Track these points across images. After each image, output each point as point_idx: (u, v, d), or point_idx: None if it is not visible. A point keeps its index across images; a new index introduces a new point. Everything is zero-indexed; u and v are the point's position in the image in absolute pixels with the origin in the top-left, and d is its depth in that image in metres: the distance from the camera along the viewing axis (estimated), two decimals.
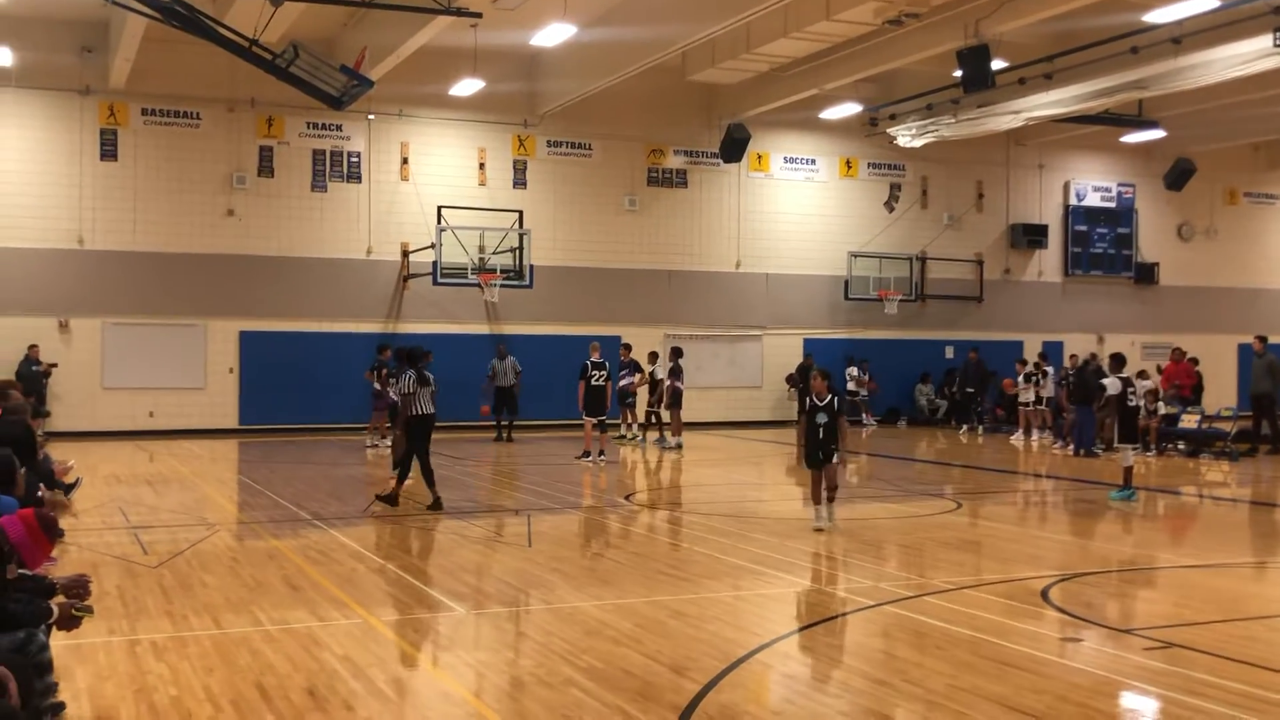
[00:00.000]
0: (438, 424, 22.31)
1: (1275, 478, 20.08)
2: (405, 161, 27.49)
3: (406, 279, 27.27)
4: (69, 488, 14.93)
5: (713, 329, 29.95)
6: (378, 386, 20.20)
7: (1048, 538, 13.37)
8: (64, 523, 10.13)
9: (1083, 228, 34.20)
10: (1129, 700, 6.96)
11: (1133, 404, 16.43)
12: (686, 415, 24.45)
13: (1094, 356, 28.59)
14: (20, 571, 5.77)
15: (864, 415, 29.83)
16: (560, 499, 16.38)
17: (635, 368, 24.12)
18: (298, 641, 8.02)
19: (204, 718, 6.38)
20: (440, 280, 26.44)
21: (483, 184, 28.10)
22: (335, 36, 24.78)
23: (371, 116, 26.80)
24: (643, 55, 23.33)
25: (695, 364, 27.03)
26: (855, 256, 31.26)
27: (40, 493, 11.05)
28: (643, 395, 24.80)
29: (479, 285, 25.94)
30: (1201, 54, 21.82)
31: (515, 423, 25.35)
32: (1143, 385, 20.93)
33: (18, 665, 4.93)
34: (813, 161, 31.24)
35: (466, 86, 25.77)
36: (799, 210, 31.05)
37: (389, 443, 20.45)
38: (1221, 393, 29.75)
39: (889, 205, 32.09)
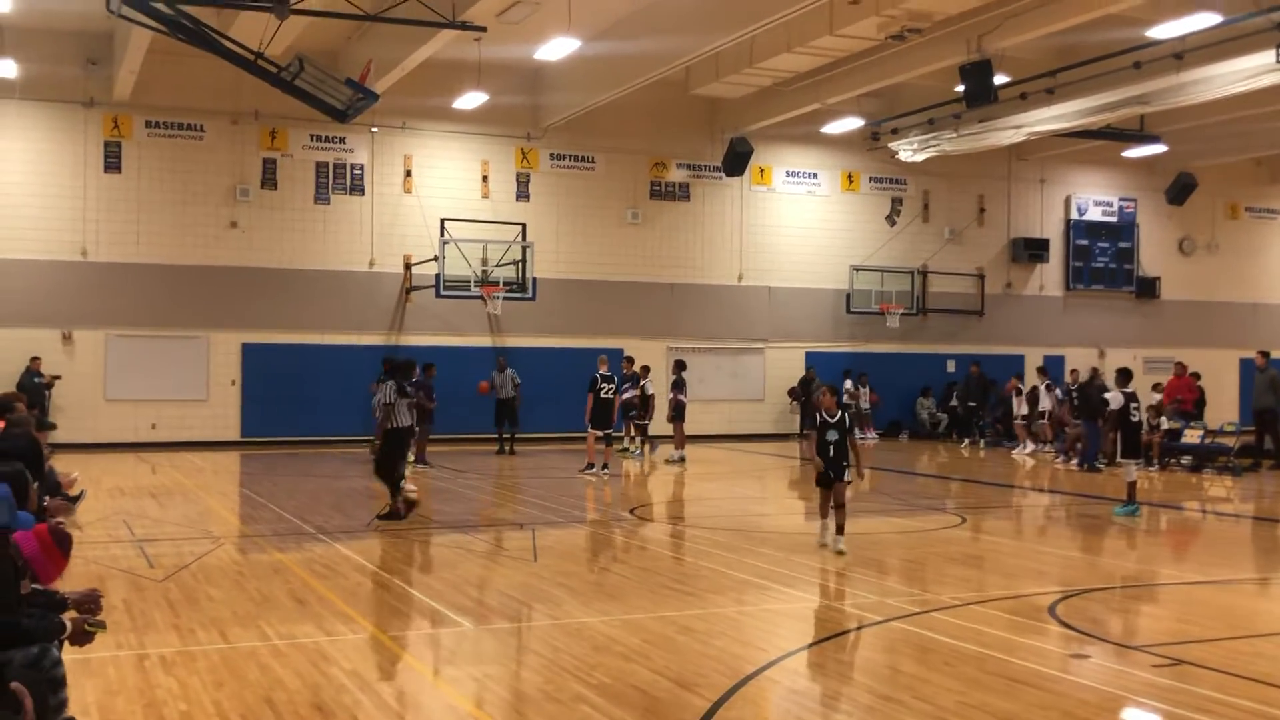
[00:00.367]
0: (436, 435, 22.68)
1: (1278, 493, 20.07)
2: (408, 174, 27.54)
3: (409, 291, 27.29)
4: (73, 500, 14.90)
5: (715, 342, 29.97)
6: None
7: (1052, 553, 13.36)
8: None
9: (1084, 242, 34.24)
10: (1139, 718, 6.95)
11: (1135, 419, 16.42)
12: (689, 428, 24.45)
13: (1096, 371, 28.63)
14: (33, 586, 5.77)
15: (860, 429, 29.85)
16: (564, 512, 16.37)
17: (636, 381, 24.09)
18: (305, 656, 8.01)
19: None
20: (443, 293, 26.46)
21: (486, 196, 28.15)
22: (339, 50, 24.85)
23: (375, 129, 26.86)
24: (646, 69, 23.40)
25: (697, 377, 27.03)
26: (857, 270, 31.30)
27: (45, 501, 11.05)
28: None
29: (482, 298, 25.95)
30: (1203, 69, 21.87)
31: (516, 435, 25.33)
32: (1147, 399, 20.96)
33: (33, 680, 4.93)
34: (815, 175, 31.29)
35: (470, 99, 25.83)
36: (801, 224, 31.10)
37: None
38: (1223, 407, 29.75)
39: (890, 219, 32.14)
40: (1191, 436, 23.04)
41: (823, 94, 26.21)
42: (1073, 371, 26.51)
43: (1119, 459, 16.67)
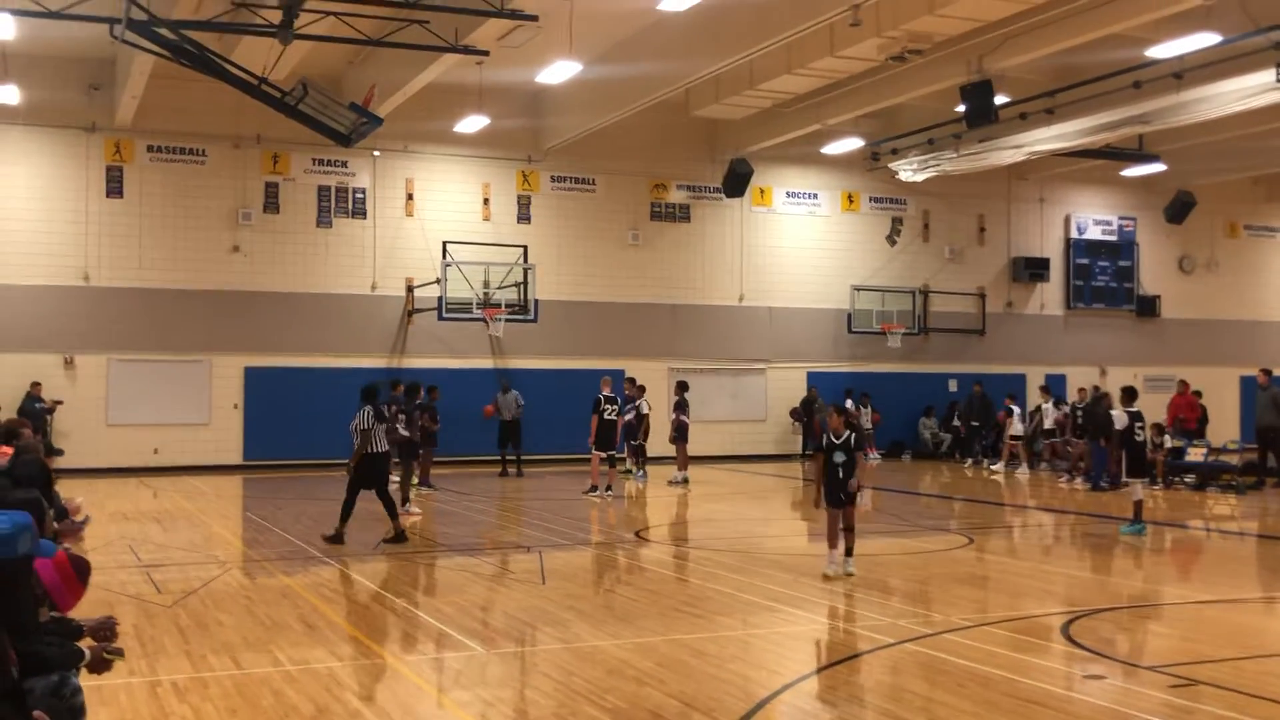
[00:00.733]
0: (439, 458, 22.63)
1: None
2: (410, 197, 27.59)
3: (411, 314, 27.31)
4: (79, 526, 14.86)
5: (716, 362, 29.98)
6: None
7: (1061, 573, 13.34)
8: None
9: (1084, 261, 34.31)
10: None
11: (1140, 438, 16.41)
12: (691, 449, 24.42)
13: (1098, 389, 28.63)
14: (51, 614, 5.75)
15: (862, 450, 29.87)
16: (570, 535, 16.34)
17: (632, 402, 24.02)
18: (319, 682, 7.98)
19: None
20: (445, 315, 26.47)
21: (487, 219, 28.19)
22: (342, 74, 24.92)
23: (377, 153, 26.92)
24: (647, 91, 23.47)
25: (699, 398, 26.98)
26: (858, 290, 31.34)
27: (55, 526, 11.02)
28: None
29: (484, 320, 25.96)
30: (1203, 89, 21.94)
31: (521, 457, 25.26)
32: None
33: (53, 709, 4.91)
34: (815, 196, 31.36)
35: (471, 123, 25.90)
36: (802, 244, 31.15)
37: (395, 478, 20.39)
38: (1224, 425, 29.77)
39: (891, 239, 32.20)
40: (1195, 455, 23.03)
41: (823, 115, 26.28)
42: (1080, 390, 26.48)
43: (1124, 478, 16.67)
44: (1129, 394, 16.58)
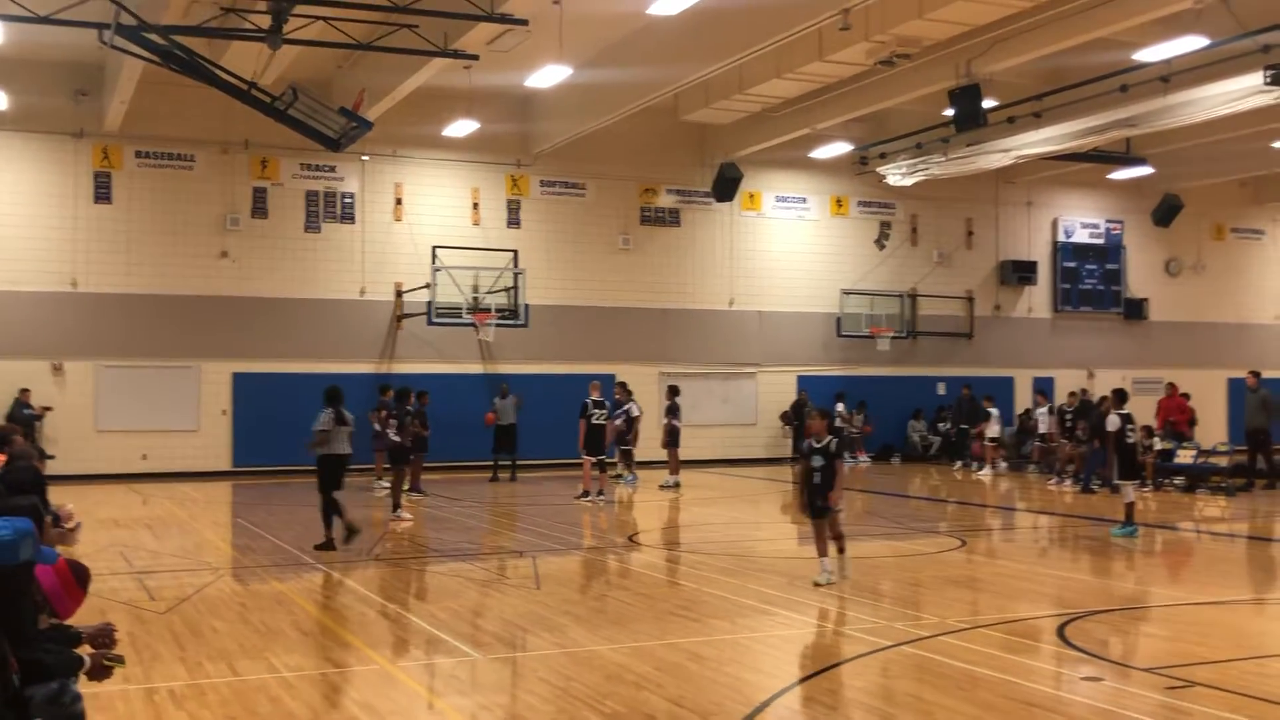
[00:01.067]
0: (430, 463, 22.57)
1: (1272, 512, 20.14)
2: (399, 202, 27.54)
3: (400, 319, 27.26)
4: (70, 533, 14.78)
5: (707, 367, 29.98)
6: (377, 428, 20.15)
7: (1055, 575, 13.36)
8: None
9: (1072, 264, 34.41)
10: None
11: (1131, 440, 16.46)
12: (682, 453, 24.42)
13: (1085, 391, 28.73)
14: (50, 621, 5.72)
15: (850, 453, 30.02)
16: (563, 540, 16.32)
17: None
18: (316, 689, 7.96)
19: None
20: (435, 320, 26.40)
21: (477, 224, 28.15)
22: (331, 78, 24.86)
23: (365, 157, 26.87)
24: (636, 96, 23.47)
25: (690, 402, 26.98)
26: (847, 294, 31.37)
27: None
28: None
29: (474, 325, 25.90)
30: (1190, 92, 22.04)
31: (516, 462, 25.20)
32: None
33: (54, 716, 4.88)
34: (804, 200, 31.40)
35: (461, 127, 25.87)
36: (791, 248, 31.19)
37: (386, 484, 20.37)
38: (1211, 427, 29.88)
39: (880, 243, 32.25)
40: (1184, 457, 23.10)
41: (812, 119, 26.32)
42: (1071, 394, 26.55)
43: (1116, 480, 16.72)
44: (1120, 396, 16.64)
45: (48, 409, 24.25)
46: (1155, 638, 10.26)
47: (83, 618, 7.14)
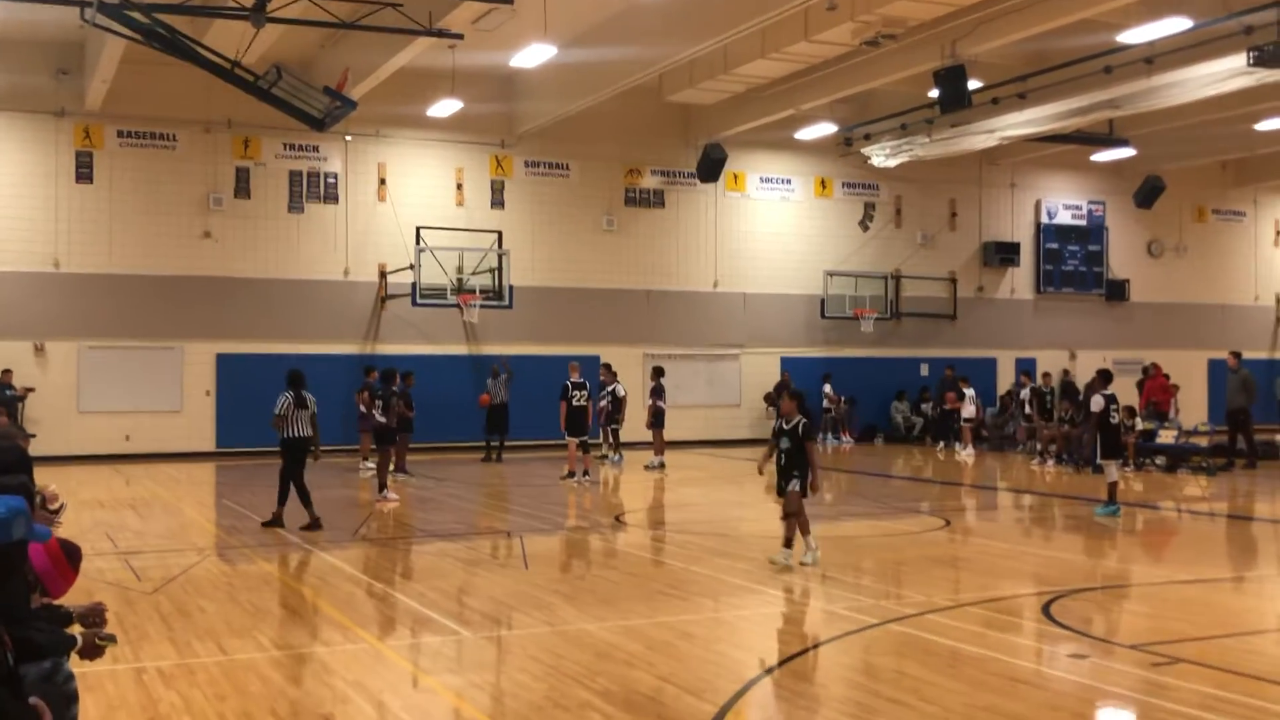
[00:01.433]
0: (415, 445, 22.57)
1: (1252, 492, 20.30)
2: (383, 182, 27.43)
3: (385, 300, 27.18)
4: (54, 513, 14.73)
5: (691, 348, 30.00)
6: (362, 409, 20.11)
7: (1039, 554, 13.45)
8: None
9: (1054, 245, 34.52)
10: (1144, 716, 7.01)
11: (1114, 420, 16.55)
12: (667, 434, 24.45)
13: (1066, 373, 28.93)
14: (42, 601, 5.71)
15: (835, 435, 30.21)
16: (550, 520, 16.35)
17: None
18: (306, 667, 7.97)
19: None
20: (419, 301, 26.31)
21: (461, 204, 28.07)
22: (314, 58, 24.69)
23: (349, 137, 26.74)
24: (621, 76, 23.41)
25: (674, 383, 27.01)
26: (831, 275, 31.40)
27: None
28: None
29: (458, 306, 25.84)
30: (1174, 74, 22.09)
31: (490, 442, 25.20)
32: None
33: (47, 695, 4.86)
34: (788, 181, 31.40)
35: (444, 107, 25.76)
36: (775, 230, 31.19)
37: (372, 465, 20.36)
38: (1192, 408, 30.05)
39: (864, 224, 32.28)
40: (1166, 437, 23.25)
41: (796, 100, 26.30)
42: (1045, 374, 26.66)
43: (1099, 460, 16.83)
44: (1104, 377, 16.71)
45: (30, 390, 24.12)
46: (1139, 615, 10.34)
47: (70, 598, 7.13)
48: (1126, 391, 25.50)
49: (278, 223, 26.61)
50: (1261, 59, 19.59)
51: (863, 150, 29.09)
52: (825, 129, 29.04)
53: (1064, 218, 34.70)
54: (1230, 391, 23.90)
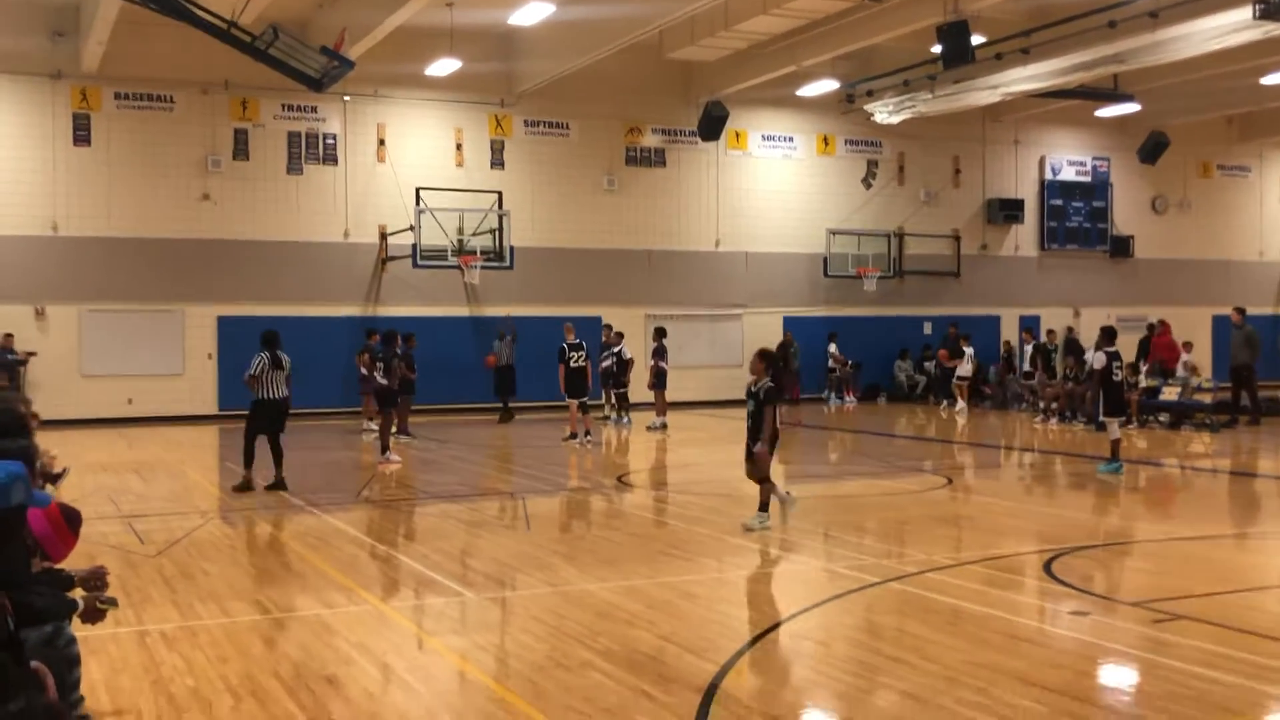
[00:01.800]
0: (417, 406, 22.58)
1: (1256, 448, 20.29)
2: (382, 143, 27.30)
3: (385, 262, 27.12)
4: (56, 478, 14.73)
5: (693, 308, 29.95)
6: (364, 371, 20.10)
7: (1041, 512, 13.47)
8: None
9: (1058, 202, 34.38)
10: (1146, 673, 7.01)
11: (1117, 378, 16.52)
12: (669, 394, 24.45)
13: (1070, 330, 28.85)
14: (43, 565, 5.71)
15: (835, 392, 30.24)
16: (552, 481, 16.37)
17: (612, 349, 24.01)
18: (309, 629, 7.98)
19: (226, 708, 6.34)
20: (420, 263, 26.27)
21: (460, 165, 27.94)
22: (310, 18, 24.51)
23: (347, 98, 26.59)
24: (621, 33, 23.24)
25: (676, 343, 26.99)
26: (834, 234, 31.30)
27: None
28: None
29: (459, 268, 25.79)
30: (1179, 27, 21.90)
31: (510, 403, 25.29)
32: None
33: (49, 659, 4.87)
34: (790, 139, 31.23)
35: (443, 66, 25.60)
36: (777, 188, 31.05)
37: (374, 427, 20.38)
38: (1197, 365, 29.94)
39: (866, 182, 32.14)
40: (1169, 394, 23.21)
41: (798, 56, 26.11)
42: (1049, 331, 26.62)
43: (1101, 417, 16.81)
44: (1108, 334, 16.64)
45: (31, 354, 24.14)
46: (1140, 572, 10.34)
47: (72, 562, 7.14)
48: (1127, 348, 25.45)
49: (277, 184, 26.53)
50: (1268, 12, 19.42)
51: (865, 107, 28.91)
52: (827, 86, 28.85)
53: (1068, 174, 34.54)
54: (1234, 348, 23.83)
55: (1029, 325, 29.17)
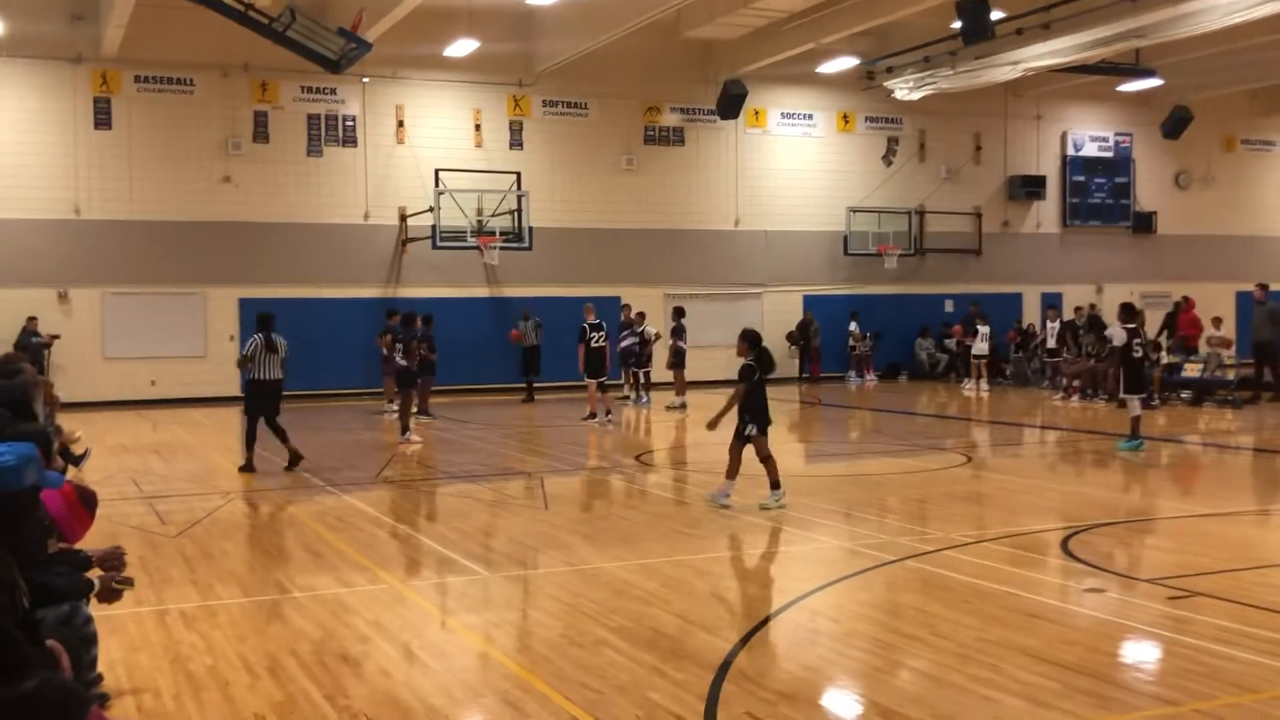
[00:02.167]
0: (438, 387, 22.66)
1: (1278, 425, 20.15)
2: (401, 124, 27.32)
3: (405, 243, 27.18)
4: (79, 459, 14.88)
5: (712, 287, 29.91)
6: (384, 352, 20.17)
7: (1060, 489, 13.43)
8: None
9: (1080, 178, 34.14)
10: (1159, 650, 7.01)
11: (1138, 355, 16.43)
12: (688, 374, 24.46)
13: (1093, 307, 28.68)
14: (59, 545, 5.77)
15: (855, 371, 30.18)
16: (570, 460, 16.43)
17: (634, 328, 24.02)
18: (326, 608, 8.04)
19: (242, 686, 6.41)
20: (439, 244, 26.33)
21: (479, 146, 27.94)
22: None
23: (366, 79, 26.61)
24: (639, 12, 23.15)
25: (696, 323, 26.93)
26: (854, 212, 31.18)
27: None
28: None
29: (478, 248, 25.84)
30: (1202, 0, 21.65)
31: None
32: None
33: (65, 639, 4.93)
34: (810, 116, 31.09)
35: (461, 47, 25.58)
36: (797, 166, 30.94)
37: (395, 407, 20.46)
38: (1229, 339, 29.78)
39: (887, 159, 31.99)
40: (1191, 370, 23.08)
41: (817, 33, 25.97)
42: (1077, 309, 26.49)
43: (1122, 394, 16.73)
44: (1128, 310, 16.56)
45: (55, 337, 24.32)
46: (1159, 550, 10.31)
47: (93, 542, 7.23)
48: (1155, 325, 25.34)
49: (297, 167, 26.59)
50: None
51: (885, 84, 28.74)
52: (847, 63, 28.70)
53: (1090, 150, 34.29)
54: (1257, 324, 23.66)
55: (1053, 303, 29.00)
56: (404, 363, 18.22)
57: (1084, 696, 5.99)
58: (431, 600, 8.52)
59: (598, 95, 28.80)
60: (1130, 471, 14.67)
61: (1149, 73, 29.69)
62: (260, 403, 14.99)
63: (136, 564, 9.35)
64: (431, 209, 25.92)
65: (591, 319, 21.25)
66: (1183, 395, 22.96)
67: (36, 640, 4.63)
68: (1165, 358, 23.31)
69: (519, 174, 27.21)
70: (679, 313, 24.65)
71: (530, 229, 26.62)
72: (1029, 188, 33.19)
